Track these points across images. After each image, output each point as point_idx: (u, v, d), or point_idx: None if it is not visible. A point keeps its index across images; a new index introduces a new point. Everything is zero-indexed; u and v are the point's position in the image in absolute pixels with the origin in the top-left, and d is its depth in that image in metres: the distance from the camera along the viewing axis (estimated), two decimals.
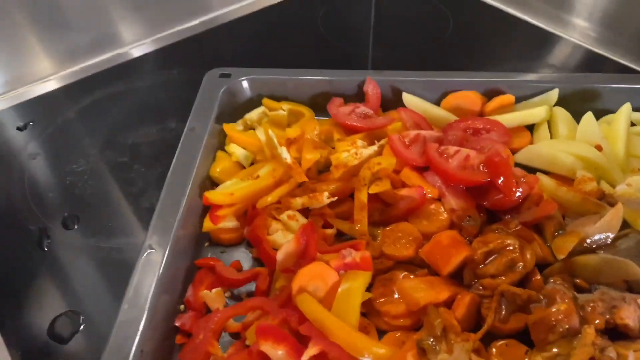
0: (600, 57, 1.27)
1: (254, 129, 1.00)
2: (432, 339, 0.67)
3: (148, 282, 0.72)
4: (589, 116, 0.96)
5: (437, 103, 1.04)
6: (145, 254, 0.75)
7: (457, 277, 0.78)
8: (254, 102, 1.06)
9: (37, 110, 1.18)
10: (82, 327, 0.78)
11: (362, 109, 1.00)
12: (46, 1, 1.20)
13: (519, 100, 1.02)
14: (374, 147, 0.92)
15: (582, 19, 1.33)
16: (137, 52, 1.35)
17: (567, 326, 0.66)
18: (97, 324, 0.79)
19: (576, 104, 1.00)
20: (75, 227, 0.93)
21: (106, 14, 1.31)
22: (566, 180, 0.90)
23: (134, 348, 0.66)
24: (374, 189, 0.85)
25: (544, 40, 1.34)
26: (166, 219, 0.80)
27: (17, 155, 1.07)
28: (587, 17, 1.31)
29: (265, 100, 1.04)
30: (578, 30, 1.34)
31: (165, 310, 0.74)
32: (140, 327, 0.68)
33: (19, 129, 1.13)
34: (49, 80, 1.27)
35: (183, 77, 1.26)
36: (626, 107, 0.95)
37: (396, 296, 0.76)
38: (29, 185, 1.00)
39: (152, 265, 0.74)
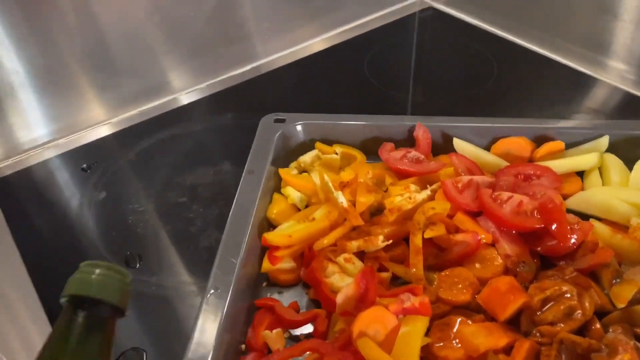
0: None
1: (307, 172, 1.04)
2: None
3: (213, 321, 0.75)
4: None
5: (487, 149, 1.06)
6: (210, 293, 0.79)
7: (514, 325, 0.79)
8: (307, 146, 1.10)
9: (97, 154, 1.25)
10: None
11: (413, 153, 1.03)
12: (100, 51, 1.28)
13: (568, 146, 1.03)
14: (427, 192, 0.95)
15: (620, 62, 1.34)
16: (187, 98, 1.42)
17: None
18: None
19: (627, 150, 1.01)
20: (138, 265, 0.97)
21: (156, 63, 1.39)
22: (620, 227, 0.90)
23: None
24: (428, 234, 0.87)
25: (584, 84, 1.36)
26: (228, 260, 0.83)
27: (82, 195, 1.13)
28: (625, 59, 1.33)
29: (318, 144, 1.08)
30: (616, 73, 1.35)
31: (228, 350, 0.77)
32: None
33: (83, 170, 1.20)
34: (103, 125, 1.34)
35: (235, 122, 1.31)
36: None
37: (454, 342, 0.76)
38: (93, 224, 1.06)
39: (216, 305, 0.77)
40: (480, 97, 1.35)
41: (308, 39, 1.60)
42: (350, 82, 1.46)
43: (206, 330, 0.74)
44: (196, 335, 0.74)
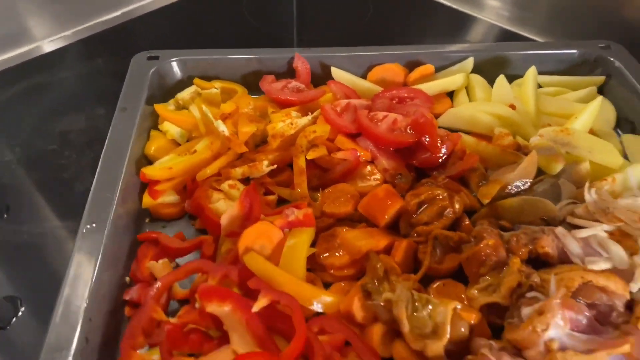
0: (514, 34, 1.37)
1: (186, 109, 1.01)
2: (375, 282, 0.71)
3: (91, 257, 0.71)
4: (501, 79, 1.04)
5: (364, 77, 1.09)
6: (85, 229, 0.74)
7: (394, 231, 0.83)
8: (184, 84, 1.06)
9: None
10: (21, 311, 0.76)
11: (294, 83, 1.03)
12: None
13: (438, 70, 1.09)
14: (309, 117, 0.96)
15: (495, 0, 1.42)
16: (51, 46, 1.31)
17: (495, 259, 0.72)
18: (37, 307, 0.77)
19: (490, 70, 1.09)
20: (5, 216, 0.89)
21: (13, 10, 1.26)
22: (485, 138, 0.98)
23: (81, 318, 0.65)
24: (311, 155, 0.88)
25: (461, 21, 1.43)
26: (104, 196, 0.79)
27: None
28: None
29: (196, 80, 1.05)
30: (492, 11, 1.43)
31: (111, 285, 0.74)
32: (86, 298, 0.67)
33: None
34: None
35: (107, 66, 1.24)
36: (532, 70, 1.04)
37: (339, 251, 0.79)
38: None
39: (93, 240, 0.73)
40: (359, 33, 1.37)
41: None
42: (230, 23, 1.42)
43: (83, 265, 0.70)
44: (72, 271, 0.70)
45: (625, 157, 0.95)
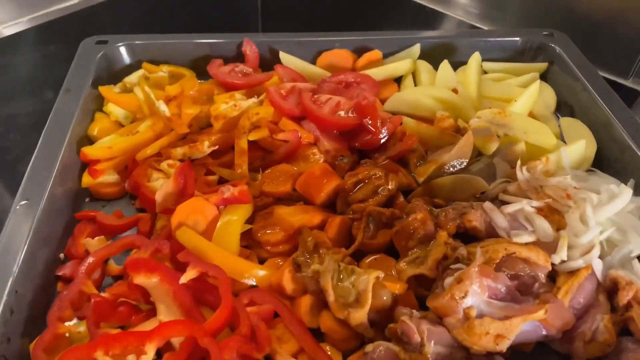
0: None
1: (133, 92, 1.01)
2: (306, 255, 0.72)
3: (22, 232, 0.71)
4: (445, 64, 1.07)
5: (313, 62, 1.11)
6: (19, 205, 0.75)
7: (332, 209, 0.84)
8: (134, 68, 1.07)
9: None
10: None
11: (241, 67, 1.04)
12: None
13: (386, 56, 1.11)
14: (253, 100, 0.97)
15: None
16: (7, 31, 1.31)
17: (423, 232, 0.74)
18: None
19: (437, 57, 1.11)
20: None
21: None
22: (428, 121, 0.99)
23: (7, 290, 0.65)
24: (253, 136, 0.90)
25: (431, 18, 1.44)
26: (40, 173, 0.79)
27: None
28: None
29: (145, 64, 1.05)
30: (460, 8, 1.44)
31: (44, 261, 0.74)
32: (14, 271, 0.67)
33: None
34: None
35: (61, 52, 1.23)
36: (475, 56, 1.07)
37: (274, 230, 0.80)
38: None
39: (26, 216, 0.74)
40: (322, 22, 1.39)
41: None
42: (193, 12, 1.43)
43: (14, 240, 0.71)
44: (2, 243, 0.70)
45: (563, 140, 0.98)
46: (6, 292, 0.65)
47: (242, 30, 1.34)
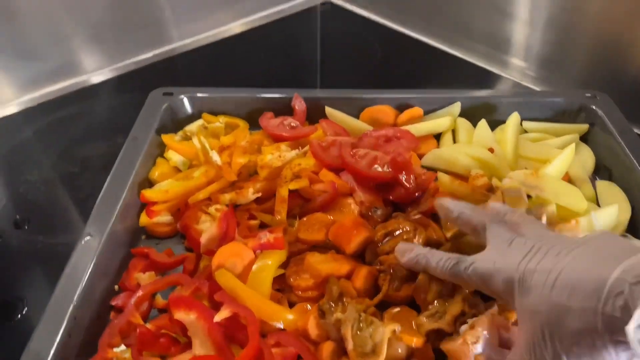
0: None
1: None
2: (331, 303, 0.78)
3: (84, 264, 0.82)
4: (482, 123, 1.10)
5: (357, 117, 1.18)
6: (84, 240, 0.85)
7: (362, 259, 0.90)
8: (195, 117, 1.18)
9: None
10: (25, 310, 0.88)
11: (289, 120, 1.13)
12: (10, 30, 1.32)
13: (427, 113, 1.16)
14: (297, 151, 1.05)
15: (520, 60, 1.46)
16: (96, 79, 1.48)
17: (440, 287, 0.78)
18: (38, 307, 0.87)
19: (477, 115, 1.15)
20: (26, 227, 1.03)
21: (64, 44, 1.43)
22: (464, 178, 1.03)
23: (67, 316, 0.75)
24: (293, 185, 0.97)
25: (485, 79, 1.49)
26: (105, 212, 0.90)
27: None
28: (524, 57, 1.45)
29: (204, 115, 1.16)
30: (517, 70, 1.48)
31: (101, 291, 0.84)
32: (74, 300, 0.77)
33: None
34: (9, 105, 1.38)
35: (137, 100, 1.36)
36: (514, 116, 1.10)
37: (305, 276, 0.86)
38: None
39: (89, 249, 0.84)
40: (379, 78, 1.47)
41: (219, 26, 1.70)
42: (257, 66, 1.55)
43: (77, 270, 0.81)
44: (66, 275, 0.80)
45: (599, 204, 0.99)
46: (67, 317, 0.74)
47: (302, 82, 1.46)
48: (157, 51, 1.59)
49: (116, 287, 0.87)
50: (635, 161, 0.98)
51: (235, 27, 1.72)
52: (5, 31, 1.31)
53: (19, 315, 0.87)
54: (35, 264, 0.96)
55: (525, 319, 0.59)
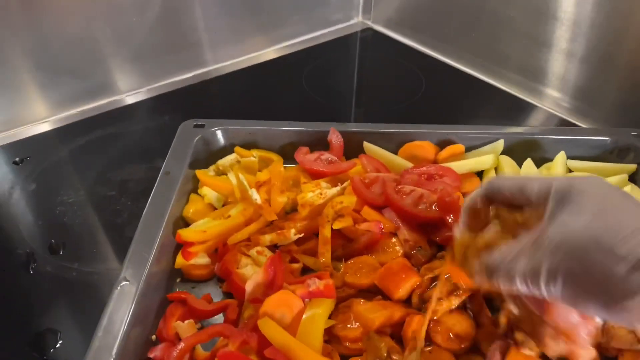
0: (572, 125, 1.38)
1: (225, 174, 1.07)
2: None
3: (122, 312, 0.76)
4: (528, 162, 1.07)
5: (395, 152, 1.14)
6: (120, 285, 0.80)
7: (408, 302, 0.85)
8: (226, 151, 1.14)
9: (33, 148, 1.27)
10: (59, 344, 0.83)
11: (326, 155, 1.09)
12: (53, 49, 1.30)
13: (468, 149, 1.12)
14: (337, 188, 1.00)
15: (555, 90, 1.43)
16: (130, 100, 1.46)
17: None
18: (73, 341, 0.83)
19: (520, 152, 1.11)
20: (61, 252, 0.98)
21: (99, 64, 1.41)
22: None
23: None
24: (336, 225, 0.92)
25: (518, 108, 1.46)
26: (140, 254, 0.85)
27: (12, 187, 1.14)
28: (559, 88, 1.42)
29: (237, 149, 1.12)
30: (552, 100, 1.45)
31: (138, 341, 0.78)
32: (113, 354, 0.71)
33: (15, 163, 1.21)
34: (42, 122, 1.36)
35: (173, 123, 1.32)
36: (561, 155, 1.06)
37: (353, 322, 0.80)
38: (19, 213, 1.08)
39: (126, 296, 0.79)
40: (413, 111, 1.43)
41: (255, 51, 1.69)
42: (292, 93, 1.52)
43: (114, 320, 0.75)
44: (104, 324, 0.75)
45: None
46: None
47: (335, 110, 1.44)
48: (191, 74, 1.57)
49: (153, 337, 0.81)
50: None
51: (270, 52, 1.70)
52: (48, 49, 1.30)
53: (52, 350, 0.82)
54: (70, 293, 0.91)
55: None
